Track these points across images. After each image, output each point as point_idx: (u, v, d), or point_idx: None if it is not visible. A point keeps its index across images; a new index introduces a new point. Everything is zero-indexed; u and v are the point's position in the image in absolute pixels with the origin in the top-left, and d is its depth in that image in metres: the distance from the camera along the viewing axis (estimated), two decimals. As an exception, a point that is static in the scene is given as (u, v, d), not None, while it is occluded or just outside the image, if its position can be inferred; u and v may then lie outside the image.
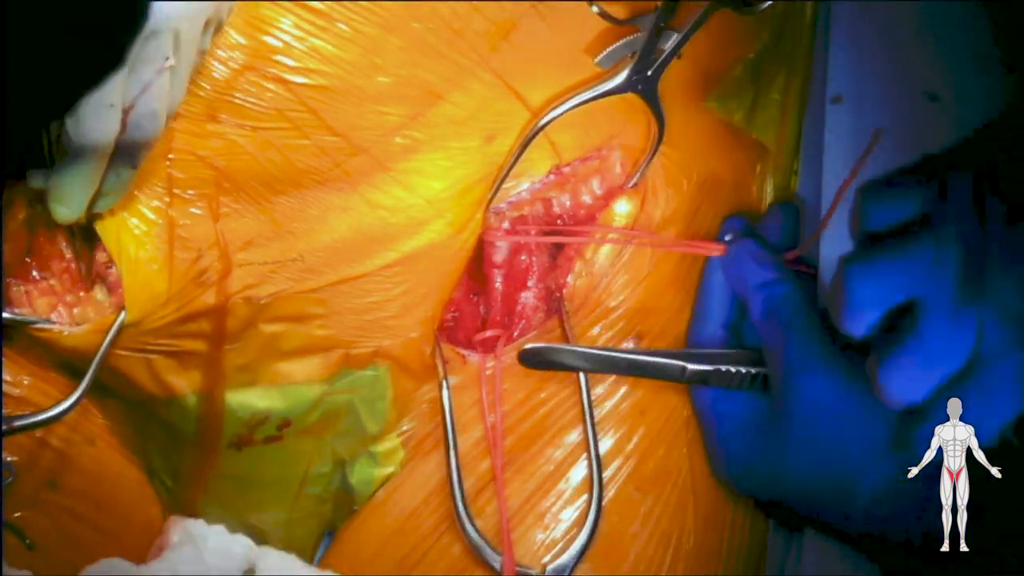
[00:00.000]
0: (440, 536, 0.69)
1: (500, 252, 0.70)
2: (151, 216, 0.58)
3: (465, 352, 0.71)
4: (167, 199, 0.58)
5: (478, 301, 0.72)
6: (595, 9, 0.58)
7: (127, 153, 0.55)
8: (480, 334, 0.71)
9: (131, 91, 0.54)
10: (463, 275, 0.70)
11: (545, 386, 0.70)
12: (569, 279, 0.71)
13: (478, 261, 0.71)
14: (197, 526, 0.58)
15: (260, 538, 0.68)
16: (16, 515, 0.62)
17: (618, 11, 0.60)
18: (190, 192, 0.58)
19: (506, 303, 0.71)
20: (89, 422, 0.66)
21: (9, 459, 0.62)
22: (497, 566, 0.66)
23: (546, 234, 0.70)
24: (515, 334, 0.71)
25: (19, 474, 0.62)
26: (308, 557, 0.71)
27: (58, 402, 0.59)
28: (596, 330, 0.71)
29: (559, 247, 0.71)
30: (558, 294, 0.71)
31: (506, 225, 0.69)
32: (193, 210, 0.59)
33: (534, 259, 0.71)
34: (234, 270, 0.60)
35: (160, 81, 0.53)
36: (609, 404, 0.69)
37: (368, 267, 0.63)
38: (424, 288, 0.66)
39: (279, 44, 0.55)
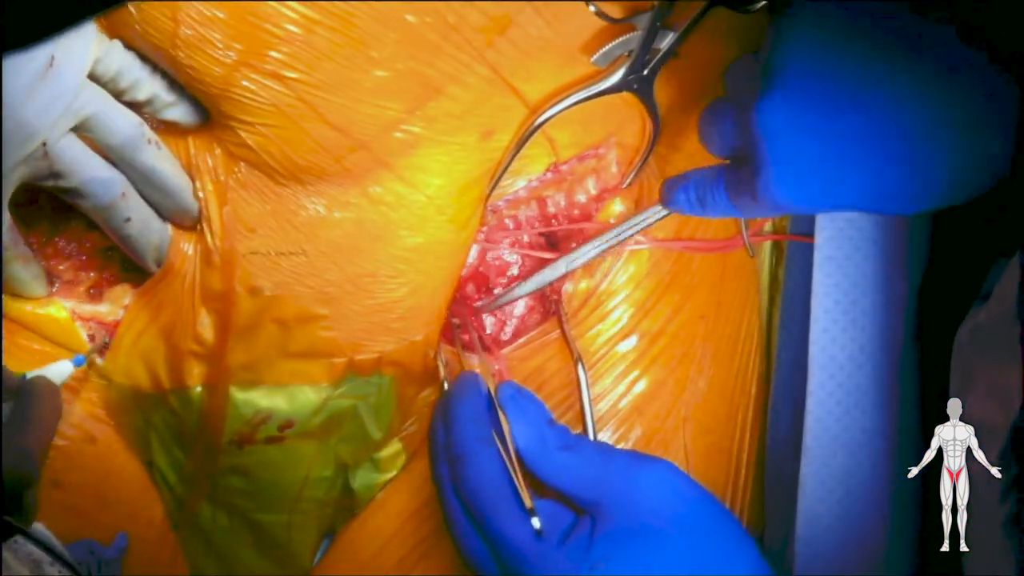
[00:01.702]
0: (440, 537, 0.69)
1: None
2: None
3: (464, 353, 0.71)
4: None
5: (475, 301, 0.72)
6: (592, 8, 0.58)
7: None
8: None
9: None
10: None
11: (544, 386, 0.70)
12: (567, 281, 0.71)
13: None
14: None
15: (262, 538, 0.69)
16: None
17: (615, 10, 0.60)
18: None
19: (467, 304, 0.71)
20: (91, 421, 0.66)
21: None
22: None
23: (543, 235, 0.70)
24: (509, 335, 0.71)
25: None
26: (308, 559, 0.71)
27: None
28: (595, 331, 0.71)
29: (554, 247, 0.71)
30: (555, 296, 0.71)
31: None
32: (200, 194, 0.60)
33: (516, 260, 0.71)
34: (239, 258, 0.61)
35: None
36: (607, 403, 0.69)
37: (372, 265, 0.63)
38: (429, 289, 0.66)
39: (275, 40, 0.55)
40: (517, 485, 0.56)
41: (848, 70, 0.50)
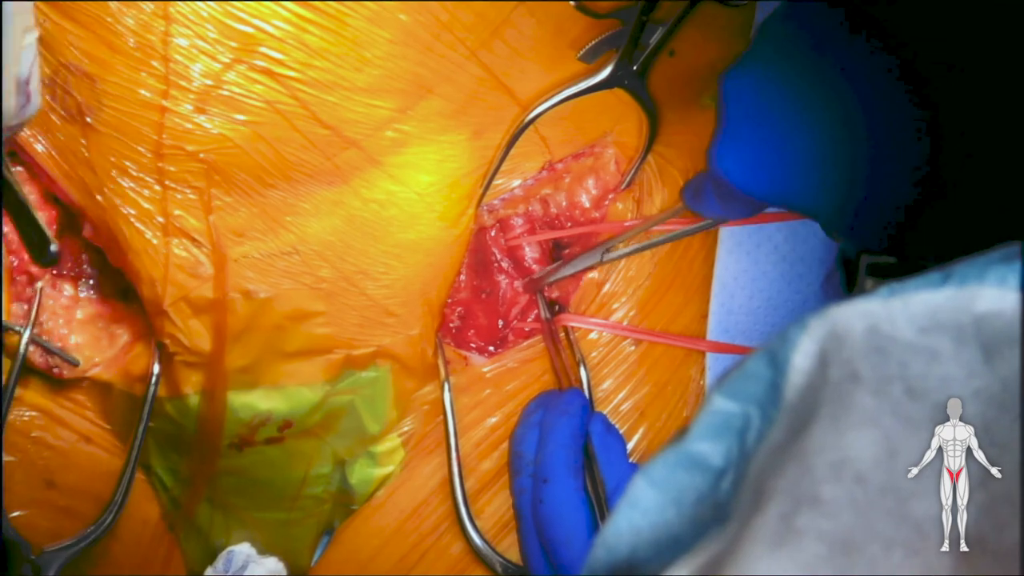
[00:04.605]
0: (440, 536, 0.69)
1: (530, 252, 0.71)
2: (147, 206, 0.59)
3: (467, 353, 0.71)
4: (158, 188, 0.58)
5: (487, 300, 0.72)
6: (572, 2, 0.58)
7: None
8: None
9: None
10: (468, 274, 0.71)
11: (547, 387, 0.69)
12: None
13: (485, 262, 0.71)
14: None
15: (258, 538, 0.69)
16: (15, 514, 0.63)
17: (600, 5, 0.60)
18: (182, 185, 0.59)
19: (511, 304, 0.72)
20: (85, 420, 0.66)
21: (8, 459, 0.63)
22: (498, 567, 0.66)
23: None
24: (511, 336, 0.71)
25: (16, 473, 0.63)
26: (307, 557, 0.71)
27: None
28: (598, 332, 0.70)
29: (560, 248, 0.71)
30: (562, 300, 0.71)
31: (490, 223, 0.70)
32: (187, 201, 0.60)
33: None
34: (230, 264, 0.60)
35: None
36: (610, 405, 0.69)
37: (364, 262, 0.63)
38: (419, 283, 0.66)
39: (268, 38, 0.56)
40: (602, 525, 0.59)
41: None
